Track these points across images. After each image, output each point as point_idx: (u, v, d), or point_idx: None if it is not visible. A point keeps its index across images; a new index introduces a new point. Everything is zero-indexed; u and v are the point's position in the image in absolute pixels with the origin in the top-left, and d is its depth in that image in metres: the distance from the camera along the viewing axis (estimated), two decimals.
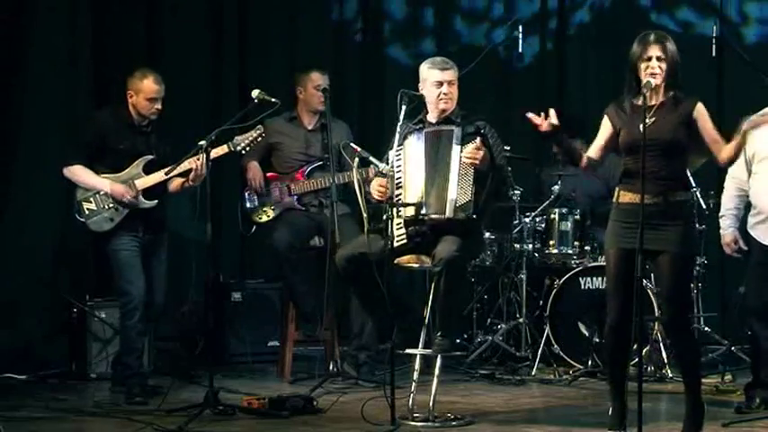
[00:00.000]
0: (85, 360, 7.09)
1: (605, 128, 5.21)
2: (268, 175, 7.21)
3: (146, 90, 6.34)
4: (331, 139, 6.98)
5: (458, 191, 5.65)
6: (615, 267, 5.07)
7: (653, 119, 5.00)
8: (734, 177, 5.97)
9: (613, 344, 5.13)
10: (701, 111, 5.05)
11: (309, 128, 7.27)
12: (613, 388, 5.18)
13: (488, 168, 5.70)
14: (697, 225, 7.05)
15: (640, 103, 4.97)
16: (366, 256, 5.66)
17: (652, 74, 4.99)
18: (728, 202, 6.02)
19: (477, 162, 5.63)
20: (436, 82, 5.88)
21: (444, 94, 5.87)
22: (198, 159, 6.08)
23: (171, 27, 8.34)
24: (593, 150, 5.25)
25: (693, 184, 6.79)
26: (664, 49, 5.01)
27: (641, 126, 4.91)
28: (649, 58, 5.01)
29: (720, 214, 6.06)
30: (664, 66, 5.00)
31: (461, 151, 5.67)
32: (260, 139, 6.46)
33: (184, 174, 6.24)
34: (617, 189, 5.14)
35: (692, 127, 5.03)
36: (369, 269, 5.65)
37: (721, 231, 6.03)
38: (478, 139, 5.66)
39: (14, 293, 7.52)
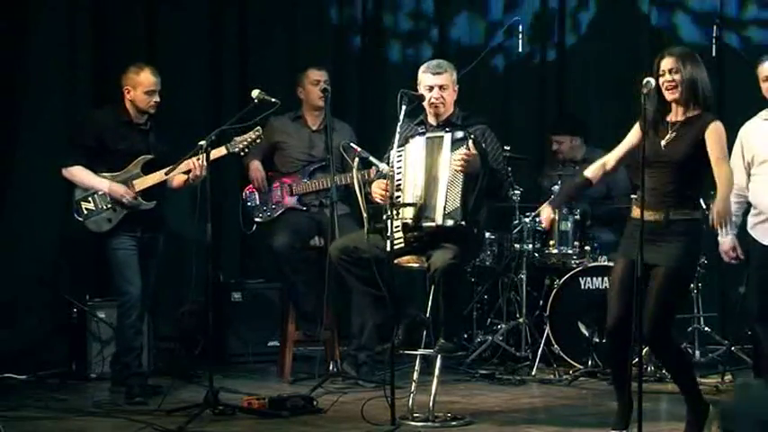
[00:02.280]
0: (85, 360, 7.09)
1: (635, 135, 5.16)
2: (269, 173, 7.22)
3: (144, 83, 6.32)
4: (331, 139, 6.97)
5: (446, 198, 5.65)
6: (618, 275, 5.09)
7: (672, 134, 5.01)
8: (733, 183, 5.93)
9: (612, 346, 5.14)
10: (711, 131, 5.01)
11: (314, 128, 7.26)
12: (617, 388, 5.17)
13: (477, 172, 5.70)
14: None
15: (668, 118, 5.02)
16: (360, 252, 5.68)
17: (668, 87, 5.01)
18: None
19: (464, 167, 5.63)
20: (427, 86, 5.91)
21: (435, 98, 5.89)
22: (197, 159, 6.08)
23: (171, 27, 8.34)
24: (613, 157, 5.25)
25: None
26: (675, 61, 5.01)
27: (661, 143, 4.97)
28: (663, 73, 5.04)
29: None
30: (678, 78, 4.99)
31: (451, 158, 5.68)
32: (258, 140, 6.46)
33: (186, 171, 6.23)
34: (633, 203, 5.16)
35: (702, 145, 5.01)
36: (364, 265, 5.66)
37: (719, 238, 6.00)
38: (467, 144, 5.66)
39: (14, 293, 7.52)
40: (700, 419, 5.12)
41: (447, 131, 5.78)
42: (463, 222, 5.64)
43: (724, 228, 5.67)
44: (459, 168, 5.63)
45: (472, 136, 5.74)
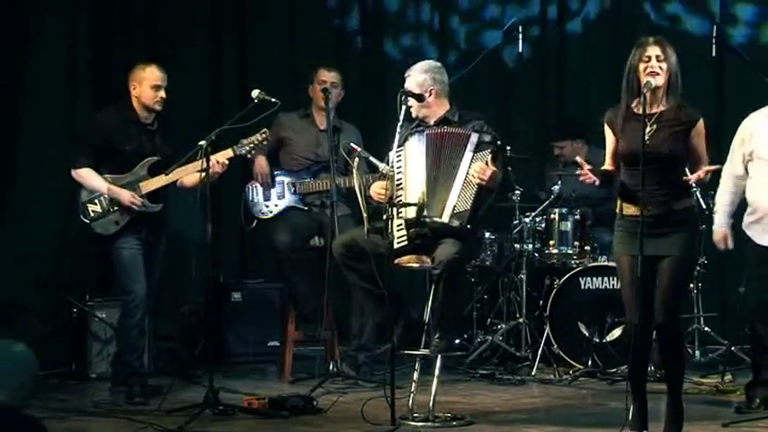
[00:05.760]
0: (85, 360, 7.10)
1: (610, 137, 5.15)
2: (273, 169, 7.22)
3: (150, 77, 6.30)
4: (336, 140, 6.97)
5: (458, 198, 5.66)
6: (630, 273, 5.03)
7: (653, 127, 4.97)
8: (731, 174, 5.90)
9: (636, 347, 5.04)
10: (699, 130, 5.03)
11: (321, 127, 7.25)
12: (634, 389, 5.13)
13: (496, 185, 5.71)
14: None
15: (639, 110, 4.96)
16: (361, 247, 5.68)
17: (652, 73, 4.96)
18: (722, 197, 5.95)
19: (483, 181, 5.63)
20: None
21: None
22: (218, 160, 6.07)
23: (171, 27, 8.35)
24: (609, 162, 5.20)
25: (694, 185, 6.79)
26: (663, 50, 4.99)
27: (642, 135, 4.89)
28: (648, 59, 4.99)
29: (714, 210, 6.01)
30: (664, 66, 4.97)
31: (472, 160, 5.67)
32: (265, 143, 6.46)
33: (200, 170, 6.19)
34: (618, 201, 5.12)
35: (687, 142, 5.01)
36: (366, 263, 5.67)
37: (714, 227, 5.96)
38: (489, 154, 5.66)
39: (14, 293, 7.51)
40: (681, 418, 5.11)
41: (475, 131, 5.77)
42: (468, 226, 5.65)
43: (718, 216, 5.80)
44: (477, 180, 5.63)
45: (499, 142, 5.73)
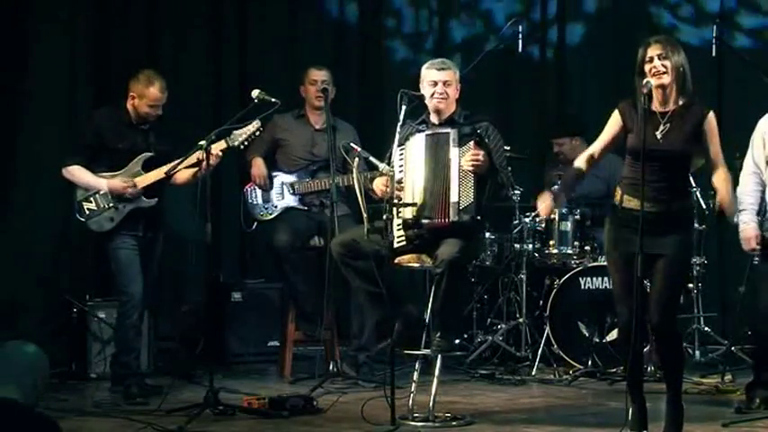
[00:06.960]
0: (85, 360, 7.10)
1: (615, 124, 5.13)
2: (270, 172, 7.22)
3: (150, 97, 6.33)
4: (330, 139, 6.97)
5: (460, 193, 5.66)
6: (624, 271, 5.02)
7: (666, 126, 4.98)
8: (754, 172, 5.84)
9: (631, 346, 5.00)
10: (711, 123, 5.00)
11: (316, 127, 7.26)
12: (633, 387, 5.13)
13: (488, 170, 5.71)
14: (696, 225, 7.08)
15: (654, 108, 4.98)
16: (360, 246, 5.68)
17: (656, 73, 4.97)
18: (747, 196, 5.82)
19: (477, 166, 5.64)
20: (431, 81, 5.91)
21: (438, 93, 5.89)
22: (212, 152, 6.07)
23: (171, 27, 8.35)
24: (598, 147, 5.20)
25: (693, 185, 6.79)
26: (664, 47, 4.99)
27: (656, 134, 4.93)
28: (651, 59, 5.00)
29: (740, 209, 5.79)
30: (668, 63, 4.96)
31: (460, 154, 5.68)
32: (258, 133, 6.45)
33: (193, 165, 6.21)
34: (619, 192, 5.11)
35: (700, 137, 4.99)
36: (365, 261, 5.67)
37: (742, 225, 5.81)
38: (472, 142, 5.67)
39: (14, 293, 7.52)
40: (681, 418, 5.10)
41: (452, 128, 5.78)
42: (479, 217, 5.66)
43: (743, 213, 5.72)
44: (471, 168, 5.64)
45: (479, 131, 5.74)
